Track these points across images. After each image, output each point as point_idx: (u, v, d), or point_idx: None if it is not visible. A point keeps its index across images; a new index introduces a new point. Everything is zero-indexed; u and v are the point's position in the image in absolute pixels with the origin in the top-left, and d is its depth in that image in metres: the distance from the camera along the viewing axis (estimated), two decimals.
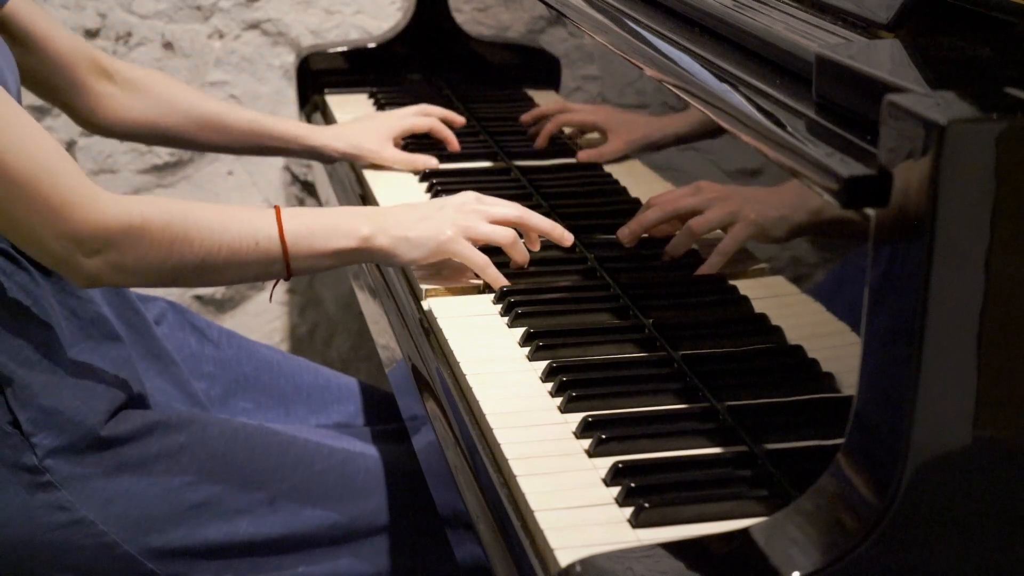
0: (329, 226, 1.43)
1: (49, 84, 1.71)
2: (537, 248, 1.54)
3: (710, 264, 1.35)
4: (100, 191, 1.34)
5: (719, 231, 1.35)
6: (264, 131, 1.87)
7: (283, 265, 1.41)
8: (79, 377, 1.45)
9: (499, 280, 1.48)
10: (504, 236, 1.49)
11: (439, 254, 1.47)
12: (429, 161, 1.89)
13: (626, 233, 1.49)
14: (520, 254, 1.51)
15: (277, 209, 1.41)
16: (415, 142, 1.96)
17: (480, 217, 1.48)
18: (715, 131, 1.33)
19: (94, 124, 1.78)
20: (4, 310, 1.43)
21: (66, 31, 1.72)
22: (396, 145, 1.92)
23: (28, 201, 1.30)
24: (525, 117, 1.91)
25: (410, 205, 1.53)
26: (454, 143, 1.95)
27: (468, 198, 1.51)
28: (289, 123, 1.91)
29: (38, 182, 1.30)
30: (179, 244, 1.36)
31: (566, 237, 1.52)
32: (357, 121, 1.98)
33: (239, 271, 1.41)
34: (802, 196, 1.15)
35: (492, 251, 1.50)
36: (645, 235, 1.47)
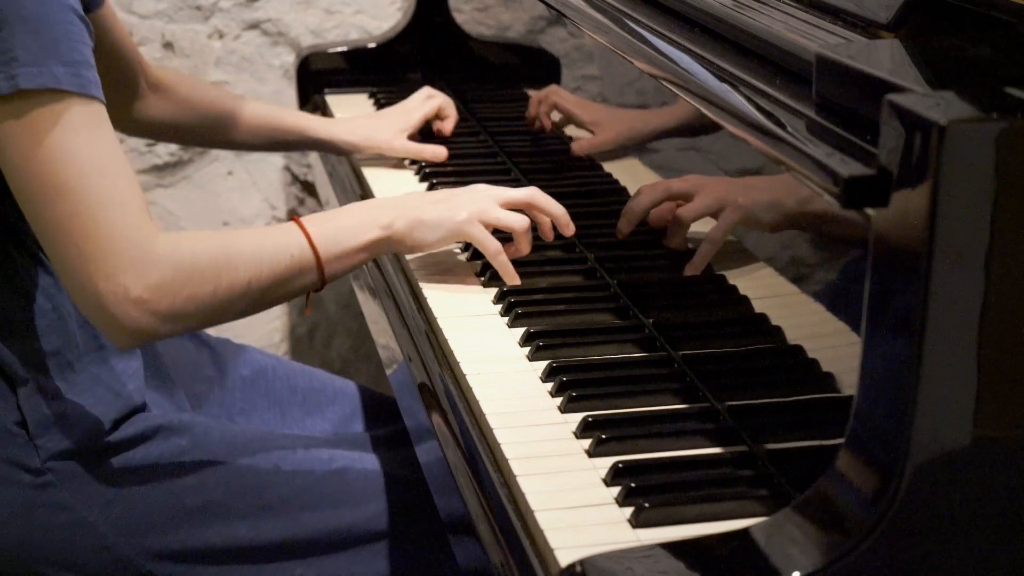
0: (351, 222, 1.43)
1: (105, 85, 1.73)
2: (551, 239, 1.54)
3: (701, 254, 1.35)
4: (155, 233, 1.30)
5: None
6: (277, 125, 1.89)
7: (317, 274, 1.40)
8: (89, 384, 1.45)
9: (508, 269, 1.48)
10: (518, 222, 1.49)
11: (454, 236, 1.47)
12: (438, 151, 1.89)
13: (623, 224, 1.49)
14: (526, 244, 1.51)
15: (296, 220, 1.41)
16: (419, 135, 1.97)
17: (493, 201, 1.48)
18: (704, 127, 1.33)
19: (118, 122, 1.78)
20: (27, 313, 1.43)
21: (130, 38, 1.74)
22: (411, 139, 1.93)
23: (85, 242, 1.27)
24: (530, 112, 1.92)
25: (423, 192, 1.53)
26: (449, 126, 1.97)
27: (479, 187, 1.51)
28: (301, 116, 1.93)
29: (103, 223, 1.27)
30: (225, 273, 1.33)
31: (571, 226, 1.52)
32: (370, 116, 2.00)
33: (281, 288, 1.38)
34: (793, 183, 1.15)
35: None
36: (643, 232, 1.47)
